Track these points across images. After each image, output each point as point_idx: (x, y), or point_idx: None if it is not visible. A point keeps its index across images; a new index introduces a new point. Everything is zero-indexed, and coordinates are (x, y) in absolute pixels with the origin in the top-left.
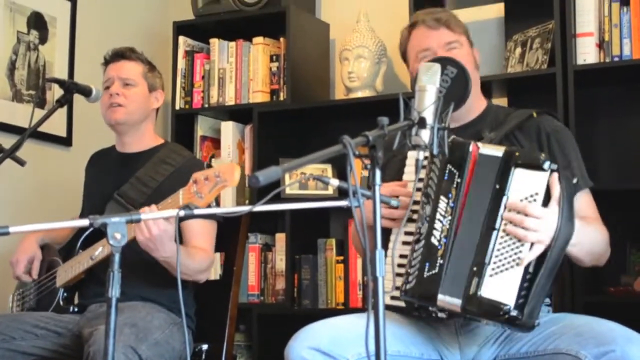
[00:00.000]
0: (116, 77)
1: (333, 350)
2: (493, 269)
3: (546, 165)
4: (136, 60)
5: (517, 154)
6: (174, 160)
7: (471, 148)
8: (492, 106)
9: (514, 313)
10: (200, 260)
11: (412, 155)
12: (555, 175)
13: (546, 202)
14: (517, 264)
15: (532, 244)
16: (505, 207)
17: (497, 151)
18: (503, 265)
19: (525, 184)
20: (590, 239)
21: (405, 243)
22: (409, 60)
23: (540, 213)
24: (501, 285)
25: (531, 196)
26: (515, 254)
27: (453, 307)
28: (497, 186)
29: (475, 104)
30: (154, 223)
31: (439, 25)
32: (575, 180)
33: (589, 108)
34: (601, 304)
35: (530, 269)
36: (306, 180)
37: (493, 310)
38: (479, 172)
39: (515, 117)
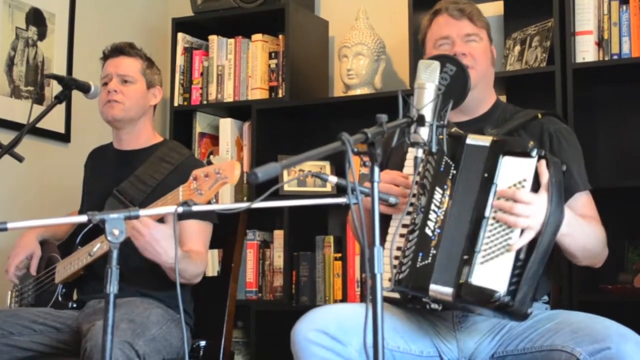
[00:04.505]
0: (114, 73)
1: (339, 336)
2: (483, 257)
3: (534, 152)
4: (135, 57)
5: (504, 143)
6: (173, 158)
7: (467, 141)
8: (501, 103)
9: (505, 299)
10: (199, 264)
11: (412, 150)
12: (543, 161)
13: (535, 188)
14: (507, 250)
15: (522, 231)
16: (494, 195)
17: (485, 141)
18: (493, 252)
19: (514, 171)
20: (584, 233)
21: (402, 235)
22: (427, 47)
23: (530, 199)
24: (492, 272)
25: (519, 183)
26: (505, 240)
27: (445, 297)
28: (486, 175)
29: (487, 99)
30: (143, 225)
31: (462, 16)
32: (564, 168)
33: (587, 106)
34: (598, 302)
35: (522, 256)
36: (304, 177)
37: (484, 297)
38: (467, 163)
39: (520, 117)
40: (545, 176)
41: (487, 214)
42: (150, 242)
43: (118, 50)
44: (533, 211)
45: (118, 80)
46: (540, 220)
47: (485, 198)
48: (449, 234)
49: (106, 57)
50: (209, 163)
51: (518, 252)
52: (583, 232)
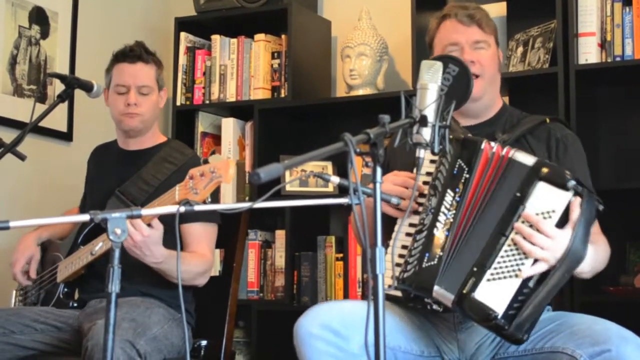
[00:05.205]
0: (133, 84)
1: (342, 331)
2: (492, 274)
3: (570, 184)
4: (150, 63)
5: (545, 168)
6: (176, 159)
7: (483, 146)
8: (507, 107)
9: (500, 322)
10: (195, 264)
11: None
12: (578, 199)
13: (563, 222)
14: (516, 275)
15: (535, 260)
16: (519, 217)
17: (529, 160)
18: (503, 273)
19: (545, 200)
20: (598, 263)
21: (408, 234)
22: (435, 51)
23: (552, 232)
24: (495, 292)
25: (547, 212)
26: (518, 265)
27: (446, 301)
28: (518, 194)
29: (495, 103)
30: (137, 230)
31: (471, 22)
32: (601, 208)
33: (590, 108)
34: (600, 303)
35: (530, 284)
36: (306, 178)
37: (481, 314)
38: (507, 176)
39: (528, 122)
40: (575, 213)
41: (507, 232)
42: (140, 246)
43: (136, 57)
44: (552, 245)
45: (136, 91)
46: (557, 256)
47: (510, 217)
48: (465, 240)
49: (120, 59)
50: (206, 162)
51: (527, 279)
52: (597, 262)
